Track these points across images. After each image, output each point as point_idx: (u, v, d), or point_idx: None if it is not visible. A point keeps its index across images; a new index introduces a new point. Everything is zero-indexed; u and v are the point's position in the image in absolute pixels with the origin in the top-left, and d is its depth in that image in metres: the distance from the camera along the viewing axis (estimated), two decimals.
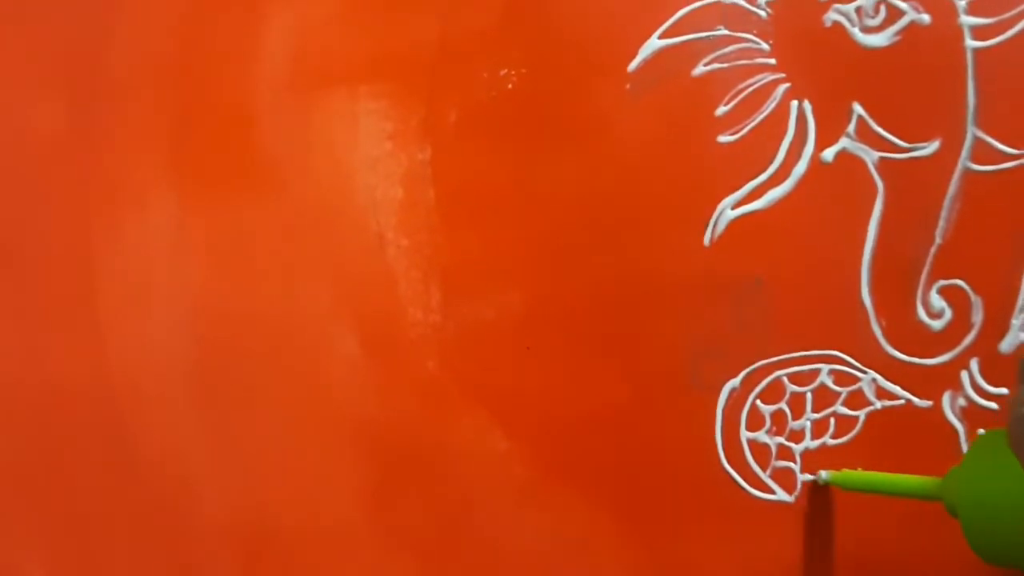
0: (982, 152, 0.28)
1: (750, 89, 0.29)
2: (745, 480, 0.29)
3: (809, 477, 0.29)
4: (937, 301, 0.29)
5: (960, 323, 0.29)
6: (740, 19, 0.29)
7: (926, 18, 0.28)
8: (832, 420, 0.29)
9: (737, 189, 0.29)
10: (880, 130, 0.28)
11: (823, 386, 0.29)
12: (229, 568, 0.30)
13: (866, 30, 0.28)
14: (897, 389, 0.29)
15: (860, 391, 0.29)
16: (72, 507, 0.30)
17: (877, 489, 0.27)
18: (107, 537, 0.30)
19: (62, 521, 0.30)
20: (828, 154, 0.29)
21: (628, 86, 0.29)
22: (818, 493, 0.29)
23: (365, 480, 0.30)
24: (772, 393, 0.29)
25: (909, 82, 0.28)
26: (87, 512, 0.30)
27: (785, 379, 0.29)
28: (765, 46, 0.29)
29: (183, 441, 0.30)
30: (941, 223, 0.28)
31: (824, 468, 0.29)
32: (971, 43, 0.28)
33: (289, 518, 0.30)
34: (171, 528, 0.30)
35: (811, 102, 0.29)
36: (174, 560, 0.30)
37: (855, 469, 0.28)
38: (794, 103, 0.29)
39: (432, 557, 0.30)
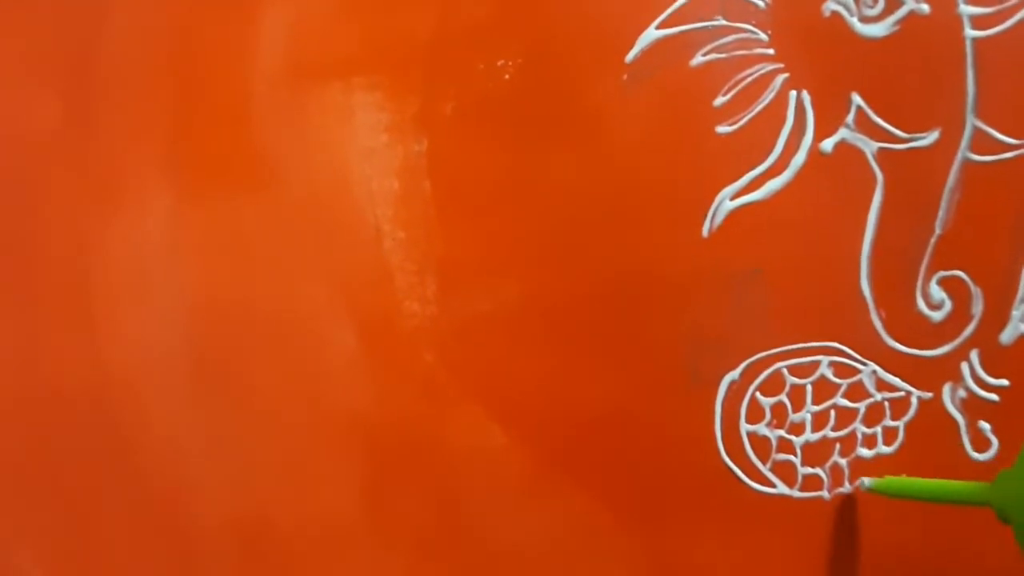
0: (982, 142, 0.28)
1: (748, 79, 0.28)
2: (745, 473, 0.29)
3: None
4: (937, 292, 0.28)
5: (960, 314, 0.29)
6: (738, 9, 0.28)
7: (925, 8, 0.28)
8: (832, 412, 0.29)
9: (736, 180, 0.28)
10: (879, 120, 0.28)
11: (823, 378, 0.29)
12: (226, 562, 0.30)
13: (865, 20, 0.28)
14: (897, 381, 0.29)
15: (860, 383, 0.29)
16: (68, 504, 0.30)
17: (922, 496, 0.27)
18: (102, 533, 0.30)
19: (58, 518, 0.30)
20: (827, 144, 0.28)
21: (625, 76, 0.29)
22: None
23: (361, 473, 0.29)
24: (772, 385, 0.29)
25: (908, 72, 0.28)
26: (83, 508, 0.30)
27: (785, 371, 0.29)
28: (764, 36, 0.28)
29: (179, 435, 0.30)
30: (941, 214, 0.28)
31: (822, 463, 0.29)
32: (970, 32, 0.28)
33: (285, 512, 0.29)
34: (167, 523, 0.29)
35: (810, 92, 0.28)
36: (170, 555, 0.30)
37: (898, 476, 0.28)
38: (792, 93, 0.28)
39: (428, 551, 0.29)
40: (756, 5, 0.28)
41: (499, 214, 0.29)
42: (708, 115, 0.28)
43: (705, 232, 0.29)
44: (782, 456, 0.29)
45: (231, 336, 0.29)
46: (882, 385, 0.29)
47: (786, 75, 0.28)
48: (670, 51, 0.29)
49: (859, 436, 0.29)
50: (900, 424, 0.29)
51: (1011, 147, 0.28)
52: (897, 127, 0.28)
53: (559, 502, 0.29)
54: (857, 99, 0.28)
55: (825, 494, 0.29)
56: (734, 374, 0.29)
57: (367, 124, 0.29)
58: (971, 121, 0.28)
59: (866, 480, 0.28)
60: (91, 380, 0.30)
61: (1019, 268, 0.28)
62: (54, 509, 0.30)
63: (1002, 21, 0.28)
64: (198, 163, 0.30)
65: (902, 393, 0.29)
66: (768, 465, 0.29)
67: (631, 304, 0.29)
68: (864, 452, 0.29)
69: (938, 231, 0.28)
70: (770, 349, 0.29)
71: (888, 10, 0.28)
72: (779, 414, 0.29)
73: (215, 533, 0.29)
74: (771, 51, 0.28)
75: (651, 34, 0.29)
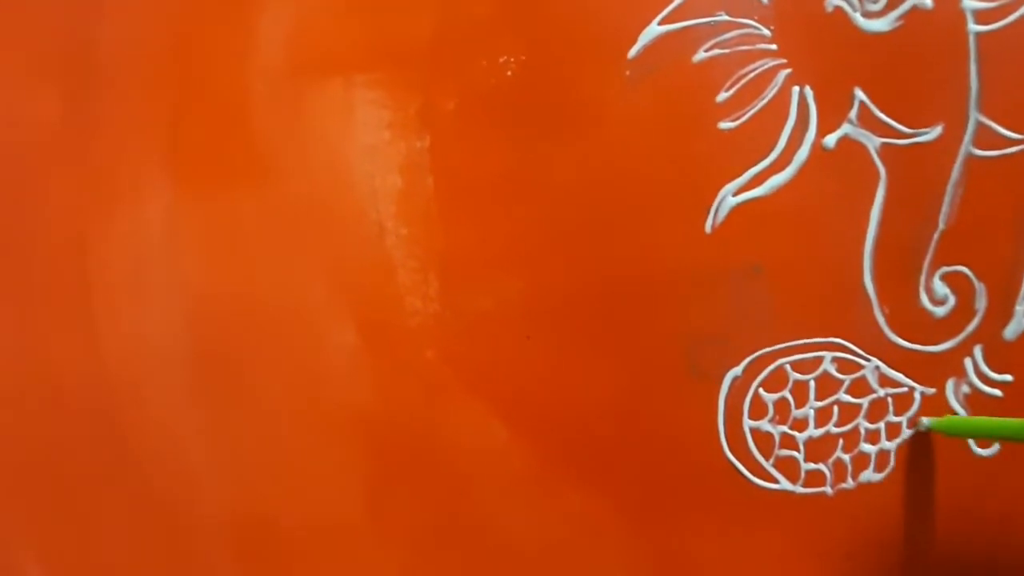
0: (985, 137, 0.28)
1: (751, 75, 0.28)
2: (748, 469, 0.29)
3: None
4: (940, 288, 0.28)
5: (963, 310, 0.29)
6: (741, 4, 0.28)
7: (928, 2, 0.28)
8: (835, 408, 0.29)
9: (738, 176, 0.28)
10: (882, 116, 0.28)
11: (826, 374, 0.29)
12: (226, 561, 0.29)
13: (868, 15, 0.28)
14: (900, 377, 0.29)
15: (863, 379, 0.29)
16: (67, 502, 0.30)
17: (984, 434, 0.26)
18: (103, 532, 0.30)
19: (57, 517, 0.30)
20: (830, 140, 0.28)
21: (628, 72, 0.29)
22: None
23: (363, 471, 0.29)
24: (775, 381, 0.29)
25: (911, 67, 0.28)
26: (82, 507, 0.30)
27: (788, 367, 0.29)
28: (766, 32, 0.28)
29: (179, 433, 0.29)
30: (944, 209, 0.28)
31: (825, 459, 0.29)
32: (974, 27, 0.28)
33: (286, 509, 0.29)
34: (167, 522, 0.29)
35: (812, 88, 0.28)
36: (170, 554, 0.29)
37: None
38: (795, 89, 0.28)
39: (431, 549, 0.29)
40: (759, 1, 0.28)
41: (502, 210, 0.29)
42: (711, 111, 0.28)
43: (708, 228, 0.29)
44: (785, 452, 0.29)
45: (232, 334, 0.29)
46: (885, 381, 0.29)
47: (789, 71, 0.28)
48: (672, 47, 0.28)
49: (862, 432, 0.29)
50: (903, 420, 0.29)
51: (1014, 142, 0.28)
52: (900, 122, 0.28)
53: (562, 499, 0.29)
54: (860, 94, 0.28)
55: (828, 490, 0.29)
56: (737, 370, 0.29)
57: (369, 121, 0.29)
58: (974, 116, 0.28)
59: (925, 420, 0.28)
60: (91, 378, 0.30)
61: (1022, 263, 0.28)
62: (54, 509, 0.30)
63: (1006, 16, 0.28)
64: (198, 161, 0.30)
65: (905, 389, 0.29)
66: (771, 461, 0.29)
67: (634, 300, 0.29)
68: (867, 447, 0.29)
69: (941, 226, 0.28)
70: (773, 345, 0.29)
71: (891, 5, 0.28)
72: (782, 410, 0.29)
73: (216, 531, 0.29)
74: (774, 47, 0.28)
75: (653, 30, 0.28)
